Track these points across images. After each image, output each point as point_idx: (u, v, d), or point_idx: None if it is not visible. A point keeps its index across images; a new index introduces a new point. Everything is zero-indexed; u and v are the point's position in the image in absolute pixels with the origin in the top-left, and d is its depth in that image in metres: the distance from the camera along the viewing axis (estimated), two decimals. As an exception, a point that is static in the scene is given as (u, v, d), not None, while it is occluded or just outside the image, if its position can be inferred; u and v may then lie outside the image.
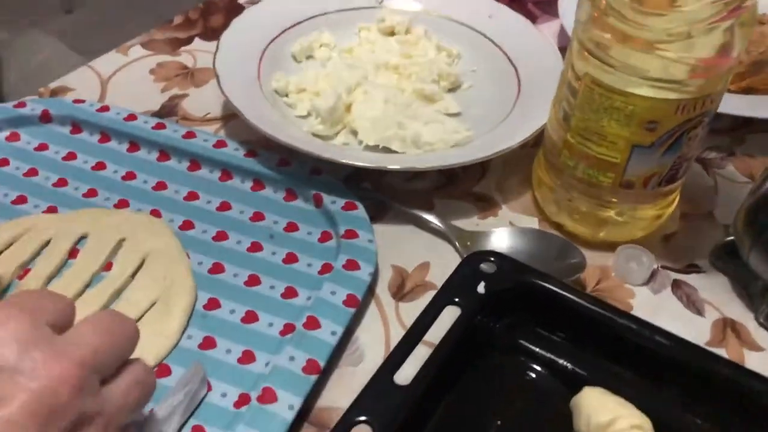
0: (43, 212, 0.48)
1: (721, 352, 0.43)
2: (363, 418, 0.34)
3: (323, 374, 0.39)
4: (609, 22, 0.40)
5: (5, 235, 0.45)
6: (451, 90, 0.59)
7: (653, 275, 0.47)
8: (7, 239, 0.45)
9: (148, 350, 0.40)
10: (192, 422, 0.37)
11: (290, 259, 0.46)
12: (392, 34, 0.63)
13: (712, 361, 0.38)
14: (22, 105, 0.54)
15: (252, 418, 0.36)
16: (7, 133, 0.53)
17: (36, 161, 0.52)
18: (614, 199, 0.46)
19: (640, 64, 0.40)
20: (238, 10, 0.63)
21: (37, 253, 0.45)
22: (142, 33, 0.66)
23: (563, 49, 0.58)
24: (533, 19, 0.68)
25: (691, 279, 0.47)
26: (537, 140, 0.51)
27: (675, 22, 0.38)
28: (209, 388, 0.39)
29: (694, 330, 0.44)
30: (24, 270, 0.44)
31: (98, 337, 0.29)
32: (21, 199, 0.49)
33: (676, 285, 0.47)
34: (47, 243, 0.46)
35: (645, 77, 0.40)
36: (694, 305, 0.46)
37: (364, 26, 0.64)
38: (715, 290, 0.47)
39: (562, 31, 0.66)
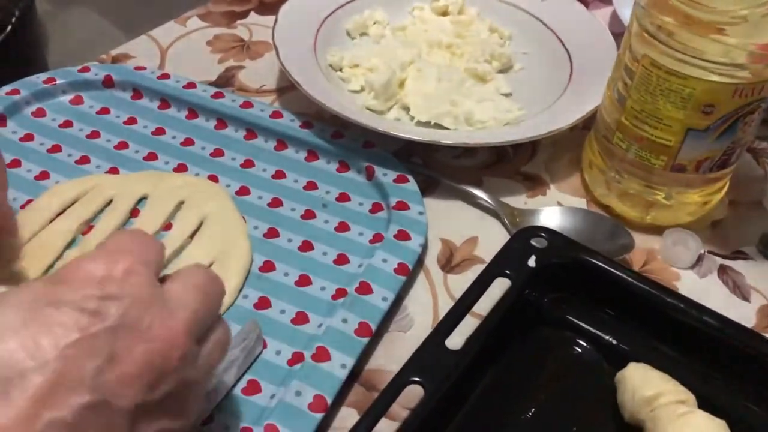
0: (105, 173, 0.50)
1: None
2: (416, 378, 0.35)
3: (373, 338, 0.41)
4: (672, 4, 0.40)
5: (70, 193, 0.47)
6: (503, 71, 0.60)
7: (700, 259, 0.48)
8: (72, 197, 0.47)
9: (206, 307, 0.42)
10: (248, 377, 0.39)
11: (342, 227, 0.47)
12: (445, 14, 0.64)
13: (759, 342, 0.38)
14: (86, 70, 0.56)
15: (306, 374, 0.37)
16: (71, 96, 0.55)
17: (98, 124, 0.53)
18: (664, 183, 0.47)
19: (701, 47, 0.40)
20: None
21: (100, 211, 0.47)
22: (187, 10, 0.67)
23: (615, 35, 0.58)
24: (585, 4, 0.68)
25: (738, 265, 0.48)
26: (586, 123, 0.52)
27: (737, 4, 0.38)
28: (264, 345, 0.40)
29: (739, 315, 0.44)
30: (88, 226, 0.46)
31: (198, 299, 0.29)
32: (84, 160, 0.50)
33: (723, 270, 0.47)
34: (109, 202, 0.47)
35: (705, 60, 0.40)
36: (740, 290, 0.46)
37: (418, 6, 0.64)
38: (762, 277, 0.47)
39: (614, 17, 0.66)
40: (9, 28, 1.11)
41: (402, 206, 0.47)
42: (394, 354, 0.41)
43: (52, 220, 0.45)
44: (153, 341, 0.26)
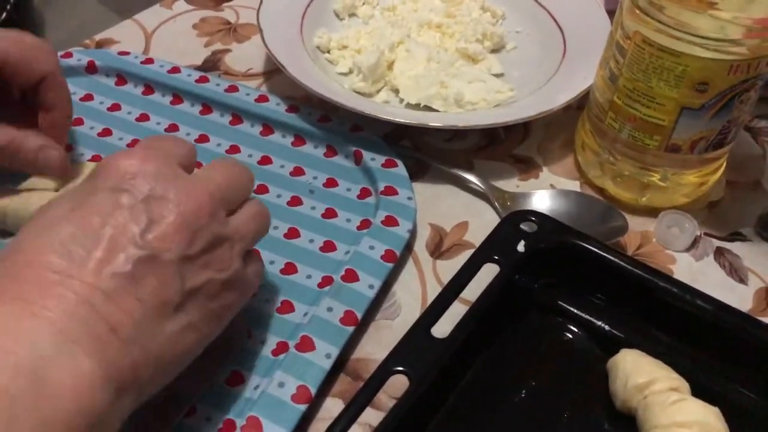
0: (89, 160, 0.49)
1: (764, 320, 0.42)
2: (400, 368, 0.34)
3: (360, 326, 0.40)
4: (663, -22, 0.39)
5: (51, 182, 0.46)
6: (495, 51, 0.59)
7: (696, 242, 0.46)
8: (54, 185, 0.46)
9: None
10: (231, 368, 0.38)
11: (329, 214, 0.46)
12: (436, -7, 0.62)
13: (754, 326, 0.37)
14: (69, 55, 0.55)
15: (290, 365, 0.37)
16: (53, 82, 0.54)
17: (81, 111, 0.52)
18: (659, 164, 0.45)
19: (694, 23, 0.39)
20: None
21: (83, 200, 0.46)
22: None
23: (610, 13, 0.57)
24: (580, -19, 0.66)
25: (735, 247, 0.47)
26: (580, 103, 0.51)
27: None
28: (249, 335, 0.39)
29: (736, 298, 0.44)
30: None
31: (223, 177, 0.33)
32: (67, 148, 0.49)
33: (719, 252, 0.46)
34: (92, 190, 0.46)
35: (698, 36, 0.39)
36: (737, 273, 0.45)
37: (408, -16, 0.63)
38: (760, 259, 0.46)
39: (610, -6, 0.65)
40: (4, 15, 1.10)
41: (390, 191, 0.46)
42: (381, 342, 0.40)
43: (33, 210, 0.45)
44: (181, 204, 0.30)
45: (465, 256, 0.45)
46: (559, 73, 0.54)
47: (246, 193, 0.35)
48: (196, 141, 0.51)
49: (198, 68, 0.57)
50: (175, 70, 0.54)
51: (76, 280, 0.27)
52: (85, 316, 0.27)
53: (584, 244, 0.40)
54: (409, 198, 0.46)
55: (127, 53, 0.56)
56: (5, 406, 0.24)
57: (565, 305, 0.41)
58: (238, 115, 0.52)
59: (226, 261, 0.32)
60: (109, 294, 0.28)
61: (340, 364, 0.39)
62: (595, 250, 0.39)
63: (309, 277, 0.42)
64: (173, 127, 0.51)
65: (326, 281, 0.42)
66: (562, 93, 0.50)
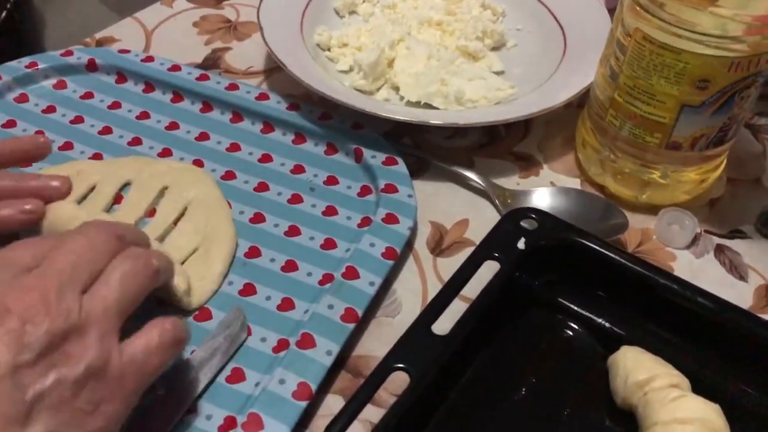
0: (89, 158, 0.49)
1: (764, 317, 0.42)
2: (401, 365, 0.34)
3: (360, 323, 0.40)
4: (664, -25, 0.39)
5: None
6: (495, 48, 0.59)
7: (696, 239, 0.47)
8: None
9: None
10: (232, 364, 0.38)
11: (330, 211, 0.46)
12: (436, -10, 0.62)
13: (754, 323, 0.37)
14: (69, 54, 0.55)
15: (290, 362, 0.37)
16: (54, 81, 0.54)
17: (82, 109, 0.52)
18: (659, 161, 0.45)
19: (694, 20, 0.39)
20: (282, -36, 0.63)
21: (84, 197, 0.46)
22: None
23: (610, 11, 0.57)
24: (581, -21, 0.66)
25: (735, 244, 0.47)
26: (581, 100, 0.51)
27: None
28: (249, 333, 0.39)
29: (736, 295, 0.44)
30: (70, 213, 0.45)
31: (67, 255, 0.30)
32: (67, 145, 0.49)
33: (719, 249, 0.46)
34: (93, 188, 0.46)
35: (699, 33, 0.39)
36: (737, 270, 0.45)
37: (408, -18, 0.63)
38: (760, 256, 0.46)
39: (611, -8, 0.65)
40: (5, 14, 1.09)
41: (390, 189, 0.46)
42: (381, 340, 0.40)
43: (34, 208, 0.45)
44: (7, 313, 0.27)
45: (465, 253, 0.45)
46: (560, 71, 0.54)
47: (105, 258, 0.31)
48: (197, 139, 0.51)
49: (198, 66, 0.57)
50: (176, 68, 0.54)
51: None
52: None
53: (584, 242, 0.40)
54: (410, 195, 0.46)
55: (128, 51, 0.56)
56: None
57: (565, 302, 0.41)
58: (239, 113, 0.52)
59: (78, 354, 0.28)
60: None
61: (340, 361, 0.39)
62: (596, 247, 0.39)
63: (309, 274, 0.43)
64: (174, 125, 0.51)
65: (327, 278, 0.42)
66: (563, 90, 0.50)
